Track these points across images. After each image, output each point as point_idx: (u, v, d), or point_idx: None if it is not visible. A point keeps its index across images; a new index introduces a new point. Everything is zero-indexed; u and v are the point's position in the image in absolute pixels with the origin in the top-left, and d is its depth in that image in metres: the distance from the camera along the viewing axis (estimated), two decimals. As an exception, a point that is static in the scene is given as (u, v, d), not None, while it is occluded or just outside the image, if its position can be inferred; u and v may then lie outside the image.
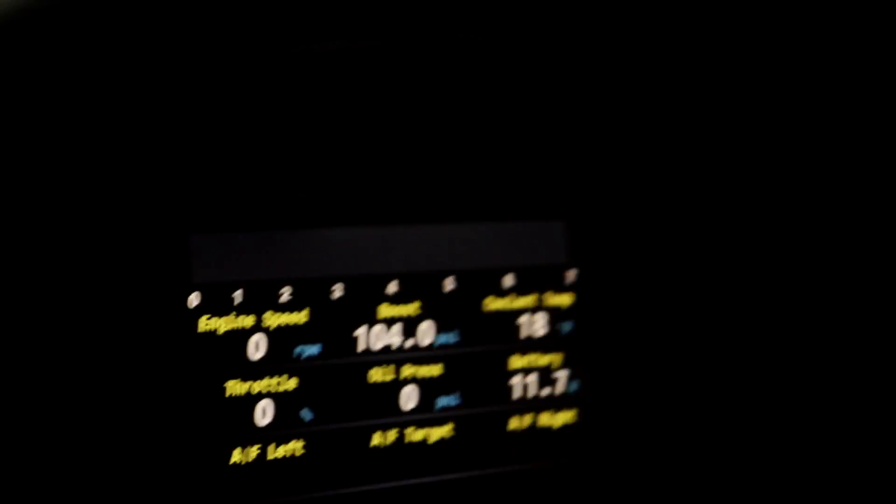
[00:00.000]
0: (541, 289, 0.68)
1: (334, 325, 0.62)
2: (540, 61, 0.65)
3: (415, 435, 0.64)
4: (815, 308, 0.68)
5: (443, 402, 0.65)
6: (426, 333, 0.65)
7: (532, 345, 0.68)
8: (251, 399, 0.60)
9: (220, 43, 0.53)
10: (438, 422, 0.65)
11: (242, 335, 0.60)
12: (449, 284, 0.65)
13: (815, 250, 0.68)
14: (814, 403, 0.69)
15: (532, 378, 0.68)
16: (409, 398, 0.64)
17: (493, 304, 0.67)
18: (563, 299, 0.69)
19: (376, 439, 0.63)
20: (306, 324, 0.61)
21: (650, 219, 0.71)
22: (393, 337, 0.64)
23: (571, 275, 0.69)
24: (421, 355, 0.64)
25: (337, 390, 0.62)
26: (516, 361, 0.67)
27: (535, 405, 0.68)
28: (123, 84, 0.56)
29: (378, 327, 0.63)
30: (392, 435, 0.64)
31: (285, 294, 0.61)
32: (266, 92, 0.60)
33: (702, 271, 0.71)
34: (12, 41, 0.45)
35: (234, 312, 0.60)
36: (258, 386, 0.60)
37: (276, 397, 0.61)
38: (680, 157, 0.71)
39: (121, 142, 0.57)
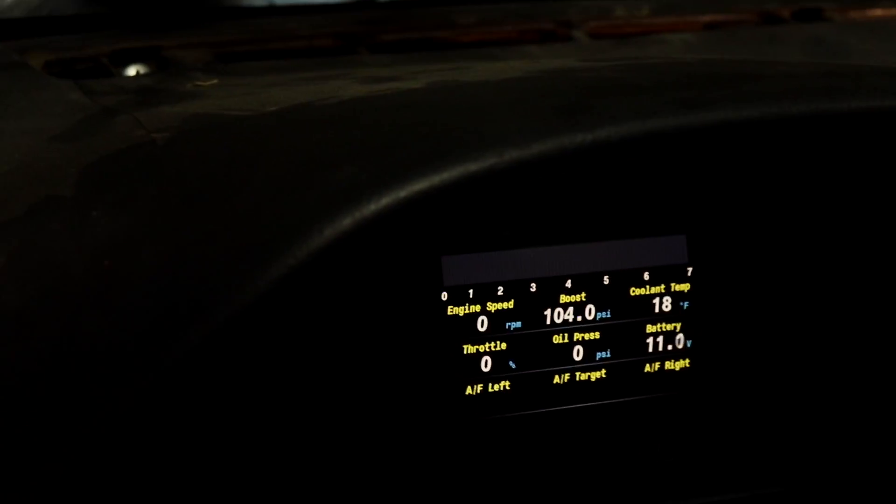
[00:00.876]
0: (668, 280, 1.02)
1: (531, 308, 0.98)
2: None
3: (581, 376, 1.00)
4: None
5: (600, 355, 1.00)
6: (590, 312, 1.00)
7: (661, 317, 1.02)
8: (479, 355, 0.97)
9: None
10: (596, 368, 1.00)
11: (474, 316, 0.96)
12: (605, 280, 1.00)
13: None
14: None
15: (660, 338, 1.02)
16: (577, 353, 1.00)
17: (635, 291, 1.01)
18: (683, 286, 1.03)
19: (556, 379, 0.99)
20: (512, 308, 0.97)
21: (758, 232, 1.03)
22: (568, 314, 0.99)
23: (689, 270, 1.03)
24: (586, 326, 1.00)
25: (532, 349, 0.98)
26: (650, 328, 1.02)
27: (662, 356, 1.02)
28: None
29: (559, 308, 0.99)
30: (566, 377, 1.00)
31: (500, 290, 0.97)
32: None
33: (796, 267, 1.03)
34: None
35: (468, 302, 0.96)
36: (483, 347, 0.97)
37: (493, 354, 0.97)
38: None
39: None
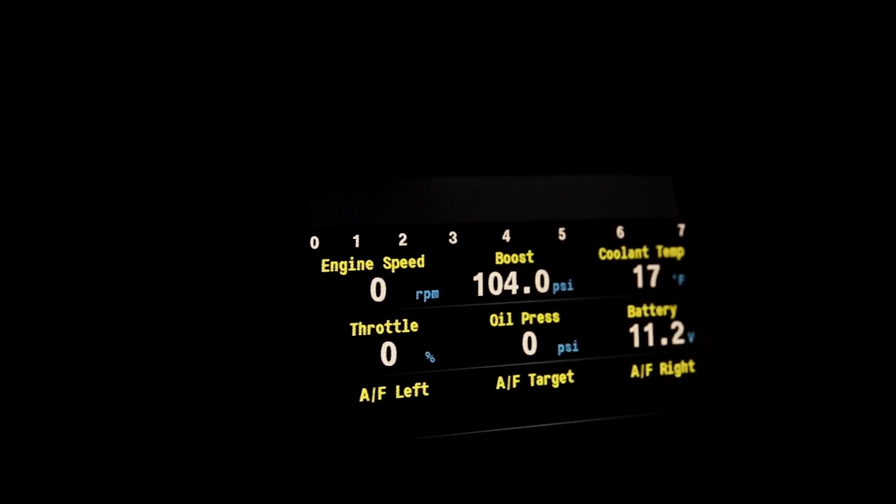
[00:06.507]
0: (652, 241, 0.66)
1: (452, 270, 0.61)
2: (653, 17, 0.65)
3: (538, 380, 0.62)
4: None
5: (563, 348, 0.63)
6: (542, 281, 0.63)
7: (647, 295, 0.66)
8: (376, 340, 0.59)
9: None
10: (559, 368, 0.63)
11: (364, 277, 0.59)
12: (560, 234, 0.64)
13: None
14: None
15: (649, 328, 0.65)
16: (529, 344, 0.62)
17: (606, 254, 0.65)
18: (676, 252, 0.67)
19: (500, 383, 0.61)
20: (424, 268, 0.61)
21: (756, 172, 0.69)
22: (510, 283, 0.62)
23: (682, 228, 0.67)
24: (538, 302, 0.63)
25: (458, 334, 0.61)
26: (633, 311, 0.65)
27: (654, 355, 0.65)
28: (242, 33, 0.57)
29: (495, 274, 0.62)
30: (515, 379, 0.62)
31: (402, 239, 0.60)
32: (383, 41, 0.60)
33: (810, 223, 0.69)
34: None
35: (354, 256, 0.59)
36: (381, 327, 0.59)
37: (399, 339, 0.60)
38: (786, 111, 0.69)
39: (237, 89, 0.58)
